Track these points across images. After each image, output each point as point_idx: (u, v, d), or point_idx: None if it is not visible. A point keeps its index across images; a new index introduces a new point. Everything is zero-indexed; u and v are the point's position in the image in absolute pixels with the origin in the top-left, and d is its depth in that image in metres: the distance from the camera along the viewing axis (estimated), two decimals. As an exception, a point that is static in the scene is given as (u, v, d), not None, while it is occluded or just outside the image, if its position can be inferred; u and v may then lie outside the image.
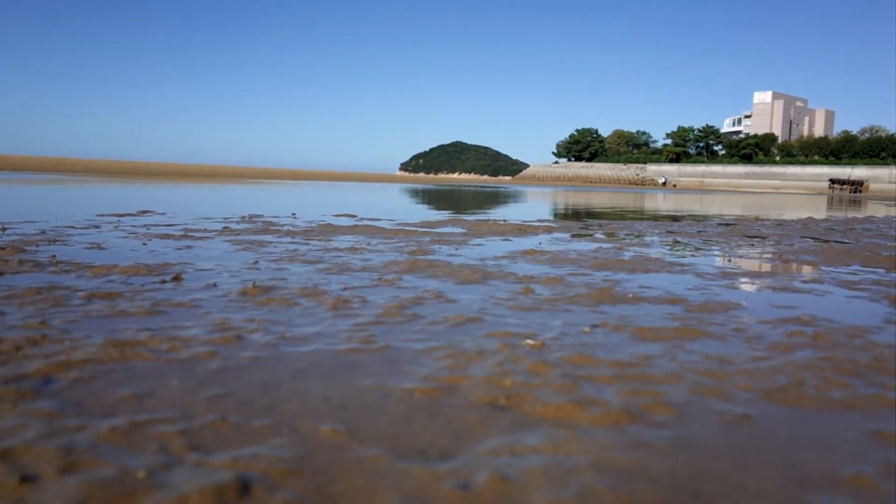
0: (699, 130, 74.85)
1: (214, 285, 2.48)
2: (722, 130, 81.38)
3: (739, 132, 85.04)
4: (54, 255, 3.12)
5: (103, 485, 0.88)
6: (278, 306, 2.14)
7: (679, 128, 74.74)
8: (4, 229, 4.31)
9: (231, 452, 1.01)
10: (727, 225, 7.69)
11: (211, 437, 1.07)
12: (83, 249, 3.46)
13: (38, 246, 3.50)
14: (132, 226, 4.94)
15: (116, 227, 4.83)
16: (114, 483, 0.89)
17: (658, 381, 1.44)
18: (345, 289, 2.50)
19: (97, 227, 4.77)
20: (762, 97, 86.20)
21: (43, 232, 4.22)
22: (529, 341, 1.74)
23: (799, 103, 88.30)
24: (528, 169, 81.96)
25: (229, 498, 0.86)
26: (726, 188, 56.26)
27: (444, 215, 7.84)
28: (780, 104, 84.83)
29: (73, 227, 4.61)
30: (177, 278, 2.60)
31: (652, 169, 68.67)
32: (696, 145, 75.39)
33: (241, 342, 1.67)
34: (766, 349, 1.78)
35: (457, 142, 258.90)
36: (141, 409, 1.18)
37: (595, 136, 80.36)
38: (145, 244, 3.80)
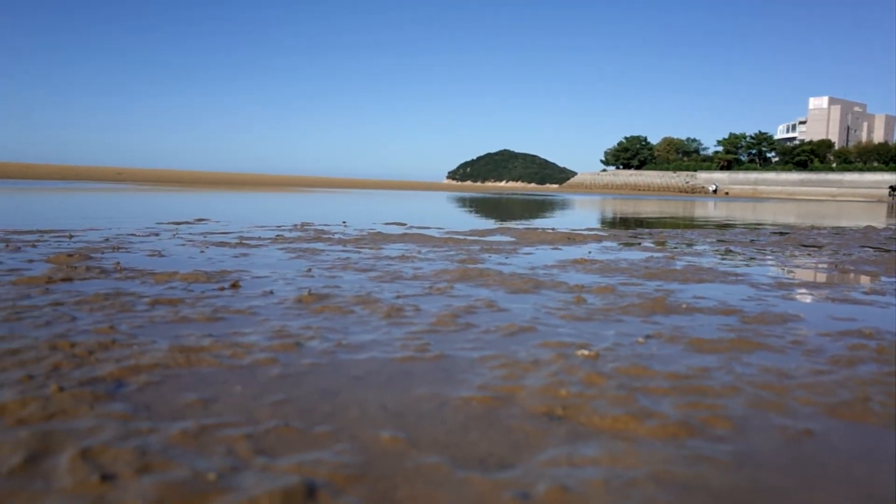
0: (751, 137, 73.20)
1: (271, 293, 2.54)
2: (775, 137, 79.45)
3: (794, 139, 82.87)
4: (119, 262, 3.24)
5: (177, 486, 0.92)
6: (333, 314, 2.18)
7: (730, 134, 73.24)
8: (71, 237, 4.49)
9: (296, 457, 1.04)
10: (781, 234, 7.51)
11: (275, 441, 1.11)
12: (145, 257, 3.58)
13: (102, 253, 3.63)
14: (189, 233, 5.09)
15: (175, 234, 4.97)
16: (187, 484, 0.93)
17: (716, 394, 1.42)
18: (398, 297, 2.53)
19: (157, 234, 4.93)
20: (818, 102, 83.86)
21: (107, 239, 4.38)
22: (584, 352, 1.74)
23: (857, 108, 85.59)
24: (575, 177, 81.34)
25: (296, 501, 0.89)
26: (780, 196, 54.85)
27: (492, 224, 7.85)
28: (836, 109, 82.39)
29: (135, 235, 4.77)
30: (235, 285, 2.67)
31: (702, 176, 67.37)
32: (748, 152, 73.73)
33: (300, 349, 1.71)
34: (827, 362, 1.74)
35: (504, 150, 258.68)
36: (208, 414, 1.23)
37: (644, 143, 79.32)
38: (203, 252, 3.91)
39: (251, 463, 1.02)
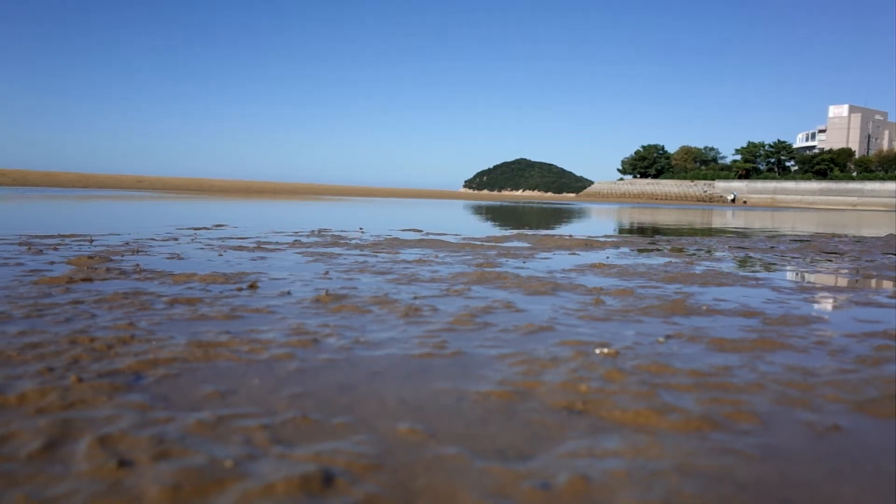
0: (770, 146, 72.59)
1: (288, 293, 2.54)
2: (795, 146, 78.72)
3: (813, 147, 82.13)
4: (138, 264, 3.26)
5: (194, 472, 0.91)
6: (351, 313, 2.17)
7: (749, 143, 72.70)
8: (92, 241, 4.53)
9: (313, 447, 1.03)
10: (802, 241, 7.42)
11: (293, 432, 1.10)
12: (164, 259, 3.61)
13: (122, 256, 3.66)
14: (208, 238, 5.12)
15: (193, 239, 5.00)
16: (204, 470, 0.92)
17: (739, 391, 1.40)
18: (415, 298, 2.52)
19: (175, 239, 4.96)
20: (838, 111, 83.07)
21: (126, 244, 4.42)
22: (603, 350, 1.71)
23: (878, 116, 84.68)
24: (592, 186, 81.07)
25: (314, 489, 0.88)
26: (799, 205, 54.30)
27: (508, 231, 7.83)
28: (857, 118, 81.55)
29: (154, 240, 4.81)
30: (253, 286, 2.67)
31: (720, 185, 66.89)
32: (766, 161, 73.09)
33: (317, 345, 1.70)
34: (853, 362, 1.70)
35: (521, 158, 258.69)
36: (225, 405, 1.22)
37: (661, 152, 78.95)
38: (221, 255, 3.92)
39: (268, 451, 1.01)
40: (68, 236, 4.80)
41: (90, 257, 3.45)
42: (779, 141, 72.76)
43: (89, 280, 2.72)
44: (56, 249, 3.90)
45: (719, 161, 77.32)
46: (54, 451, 0.97)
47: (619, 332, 2.00)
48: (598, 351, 1.71)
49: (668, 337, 1.96)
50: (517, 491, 0.91)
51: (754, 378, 1.50)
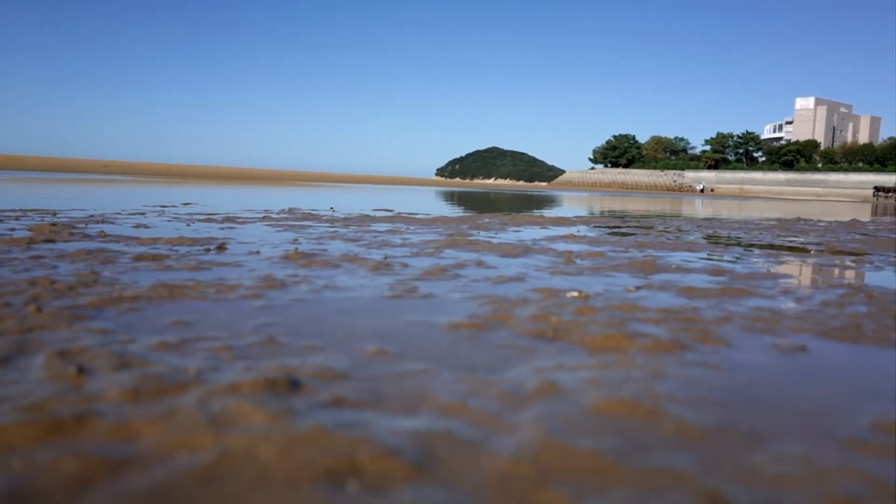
0: (739, 137, 73.55)
1: (258, 252, 2.51)
2: (762, 137, 79.88)
3: (780, 139, 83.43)
4: (103, 231, 3.19)
5: (155, 378, 0.89)
6: (320, 268, 2.15)
7: (718, 134, 73.56)
8: (55, 214, 4.43)
9: (279, 361, 1.01)
10: (769, 223, 7.54)
11: (258, 351, 1.08)
12: (130, 228, 3.53)
13: (86, 225, 3.58)
14: (176, 213, 5.03)
15: (161, 214, 4.92)
16: (166, 377, 0.90)
17: (707, 323, 1.41)
18: (385, 257, 2.50)
19: (143, 213, 4.87)
20: (804, 103, 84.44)
21: (91, 216, 4.32)
22: (574, 293, 1.72)
23: (843, 109, 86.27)
24: (564, 175, 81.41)
25: (280, 389, 0.86)
26: (767, 195, 55.18)
27: (480, 211, 7.83)
28: (822, 110, 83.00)
29: (120, 214, 4.71)
30: (221, 247, 2.63)
31: (690, 175, 67.66)
32: (735, 152, 74.06)
33: (285, 289, 1.68)
34: (819, 305, 1.73)
35: (493, 147, 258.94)
36: (190, 331, 1.19)
37: (632, 142, 79.55)
38: (189, 225, 3.86)
39: (233, 365, 0.99)
40: (30, 210, 4.68)
41: (53, 225, 3.37)
42: (747, 132, 73.76)
43: (52, 241, 2.65)
44: (17, 220, 3.80)
45: (689, 151, 78.17)
46: (11, 364, 0.94)
47: (590, 284, 2.01)
48: (568, 294, 1.71)
49: (638, 288, 1.97)
50: (488, 393, 0.90)
51: (722, 315, 1.52)
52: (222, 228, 3.70)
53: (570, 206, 13.69)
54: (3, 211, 4.49)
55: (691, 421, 0.80)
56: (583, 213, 9.22)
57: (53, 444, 0.67)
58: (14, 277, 1.69)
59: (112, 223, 3.81)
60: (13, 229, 3.19)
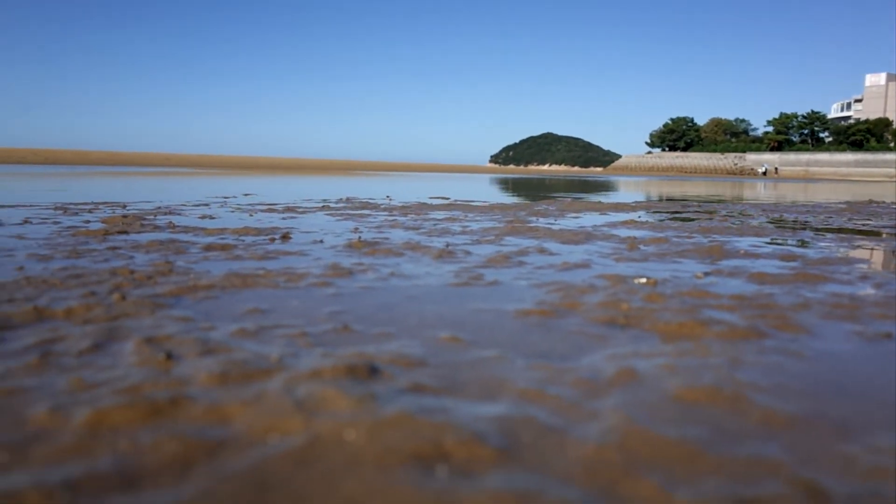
0: (803, 117, 70.90)
1: (321, 241, 2.55)
2: (829, 116, 76.81)
3: (848, 118, 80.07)
4: (171, 221, 3.30)
5: (240, 363, 0.92)
6: (384, 256, 2.17)
7: (781, 114, 71.09)
8: (125, 206, 4.59)
9: (356, 348, 1.03)
10: (839, 206, 7.27)
11: (334, 338, 1.10)
12: (196, 219, 3.64)
13: (155, 216, 3.70)
14: (238, 204, 5.16)
15: (223, 205, 5.05)
16: (249, 362, 0.92)
17: (784, 309, 1.37)
18: (447, 245, 2.51)
19: (206, 205, 5.01)
20: (875, 79, 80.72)
21: (158, 208, 4.47)
22: (642, 279, 1.69)
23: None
24: (620, 160, 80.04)
25: (361, 376, 0.88)
26: (834, 177, 53.13)
27: (537, 198, 7.78)
28: (895, 86, 79.28)
29: (185, 206, 4.86)
30: (285, 236, 2.69)
31: (751, 158, 65.62)
32: (799, 132, 71.44)
33: (353, 277, 1.70)
34: (901, 291, 1.66)
35: (547, 133, 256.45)
36: (266, 319, 1.23)
37: (690, 124, 77.59)
38: (252, 216, 3.95)
39: (311, 351, 1.01)
40: (101, 203, 4.87)
41: (124, 216, 3.50)
42: (812, 112, 71.05)
43: (125, 232, 2.75)
44: (91, 212, 3.96)
45: (750, 133, 75.81)
46: (103, 349, 0.99)
47: (656, 270, 1.97)
48: (636, 280, 1.69)
49: (706, 274, 1.93)
50: (565, 380, 0.90)
51: (798, 301, 1.47)
52: (284, 218, 3.77)
53: (628, 191, 13.48)
54: (78, 204, 4.69)
55: (778, 410, 0.78)
56: (641, 198, 9.06)
57: (153, 426, 0.70)
58: (96, 267, 1.76)
59: (179, 214, 3.93)
60: (88, 221, 3.33)
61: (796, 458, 0.66)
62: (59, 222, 3.26)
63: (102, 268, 1.75)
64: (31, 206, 4.35)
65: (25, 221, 3.18)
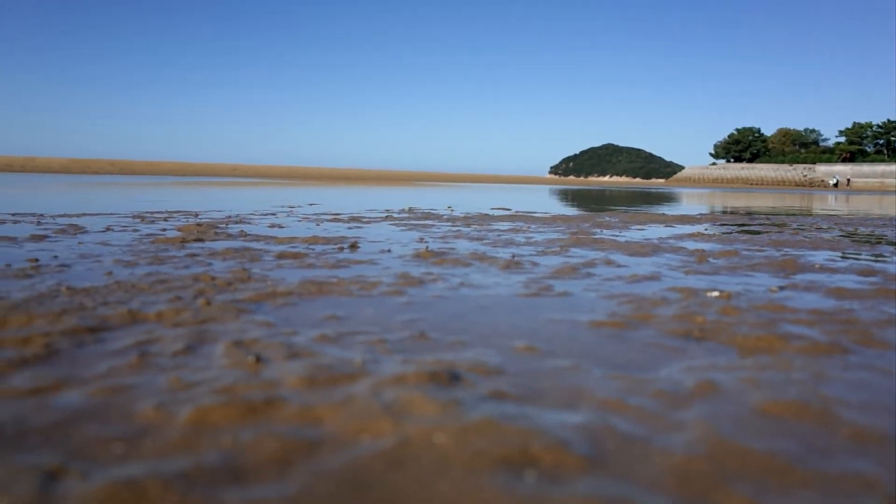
0: (879, 126, 68.07)
1: (389, 251, 2.59)
2: (906, 126, 73.54)
3: (927, 127, 76.46)
4: (243, 230, 3.41)
5: (326, 367, 0.95)
6: (452, 266, 2.20)
7: (854, 124, 68.44)
8: (198, 215, 4.76)
9: (434, 355, 1.06)
10: (918, 217, 6.96)
11: (411, 345, 1.13)
12: (266, 227, 3.75)
13: (227, 225, 3.83)
14: (304, 214, 5.29)
15: (289, 214, 5.18)
16: (334, 366, 0.96)
17: (866, 325, 1.33)
18: (513, 256, 2.52)
19: (274, 214, 5.15)
20: (955, 87, 76.87)
21: (229, 217, 4.62)
22: (715, 292, 1.67)
23: None
24: (682, 171, 78.40)
25: (443, 382, 0.90)
26: (911, 189, 50.74)
27: (599, 210, 7.71)
28: (977, 95, 75.25)
29: (253, 215, 5.01)
30: (353, 246, 2.75)
31: (822, 169, 63.35)
32: (874, 143, 68.61)
33: (424, 286, 1.73)
34: None
35: (608, 144, 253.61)
36: (344, 325, 1.26)
37: (757, 135, 75.51)
38: (318, 225, 4.04)
39: (391, 357, 1.04)
40: (175, 212, 5.06)
41: (198, 225, 3.63)
42: (889, 121, 68.12)
43: (201, 240, 2.86)
44: (166, 220, 4.12)
45: (821, 144, 73.26)
46: (196, 351, 1.04)
47: (728, 283, 1.94)
48: (709, 294, 1.67)
49: (781, 288, 1.89)
50: (645, 391, 0.90)
51: (881, 317, 1.43)
52: (350, 228, 3.85)
53: (691, 203, 13.21)
54: (153, 213, 4.88)
55: (868, 426, 0.77)
56: (705, 210, 8.86)
57: (251, 425, 0.74)
58: (178, 274, 1.84)
59: (249, 223, 4.05)
60: (164, 229, 3.47)
61: (891, 474, 0.65)
62: (137, 230, 3.41)
63: (184, 274, 1.83)
64: (110, 214, 4.56)
65: (108, 229, 3.34)
